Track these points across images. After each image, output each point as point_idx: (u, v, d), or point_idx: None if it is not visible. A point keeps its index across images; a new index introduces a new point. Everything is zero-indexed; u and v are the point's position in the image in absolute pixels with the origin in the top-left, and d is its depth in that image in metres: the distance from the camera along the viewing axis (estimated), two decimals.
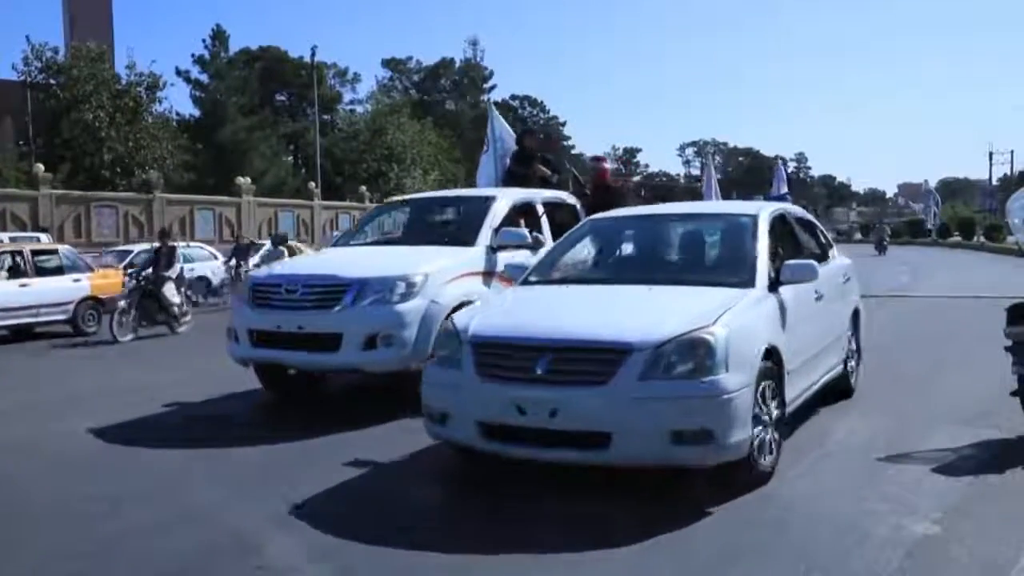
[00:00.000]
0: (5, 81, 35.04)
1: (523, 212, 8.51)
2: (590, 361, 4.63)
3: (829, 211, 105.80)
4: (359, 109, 58.07)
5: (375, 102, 54.70)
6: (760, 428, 4.80)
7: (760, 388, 4.79)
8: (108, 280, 15.12)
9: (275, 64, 56.19)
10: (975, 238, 42.88)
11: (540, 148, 11.32)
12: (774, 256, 5.76)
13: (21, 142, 35.55)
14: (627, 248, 6.73)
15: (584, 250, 6.60)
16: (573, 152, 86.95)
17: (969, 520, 4.35)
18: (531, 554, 4.04)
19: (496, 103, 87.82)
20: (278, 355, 7.31)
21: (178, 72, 44.43)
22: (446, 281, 7.15)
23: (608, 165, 10.40)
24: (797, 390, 5.58)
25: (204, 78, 44.55)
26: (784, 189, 24.70)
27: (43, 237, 22.07)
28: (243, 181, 35.49)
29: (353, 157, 47.63)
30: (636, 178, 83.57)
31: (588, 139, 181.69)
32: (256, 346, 7.36)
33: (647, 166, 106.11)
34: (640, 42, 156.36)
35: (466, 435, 4.95)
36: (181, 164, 36.63)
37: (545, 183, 9.94)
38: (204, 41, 44.53)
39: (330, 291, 7.07)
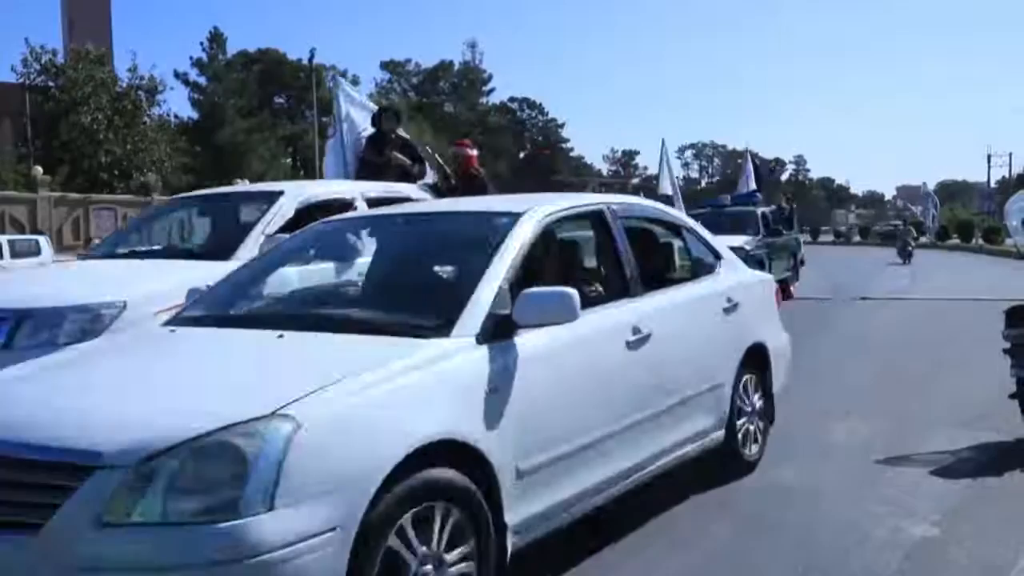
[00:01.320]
0: (4, 83, 35.08)
1: (328, 214, 6.33)
2: (21, 486, 2.58)
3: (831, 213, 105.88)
4: None
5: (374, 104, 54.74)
6: None
7: (399, 523, 2.77)
8: None
9: (273, 66, 56.27)
10: (973, 240, 42.89)
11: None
12: (543, 280, 3.79)
13: (19, 144, 35.60)
14: (333, 267, 5.05)
15: (286, 269, 4.71)
16: (572, 154, 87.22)
17: (968, 522, 4.34)
18: None
19: (495, 105, 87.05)
20: None
21: (176, 75, 44.62)
22: (159, 311, 4.70)
23: (473, 151, 8.62)
24: (554, 498, 3.50)
25: (202, 81, 44.67)
26: (752, 186, 20.75)
27: (41, 240, 22.09)
28: (242, 183, 35.53)
29: None
30: (634, 180, 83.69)
31: (587, 141, 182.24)
32: None
33: (646, 168, 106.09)
34: (639, 44, 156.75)
35: None
36: (179, 166, 36.70)
37: (405, 175, 8.14)
38: (202, 44, 44.83)
39: None
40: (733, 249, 17.42)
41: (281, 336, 3.38)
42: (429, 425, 2.93)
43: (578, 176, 74.92)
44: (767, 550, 4.06)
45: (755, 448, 5.25)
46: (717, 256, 5.34)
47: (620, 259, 4.34)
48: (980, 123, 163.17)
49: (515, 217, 3.91)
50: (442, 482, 2.94)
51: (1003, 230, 28.48)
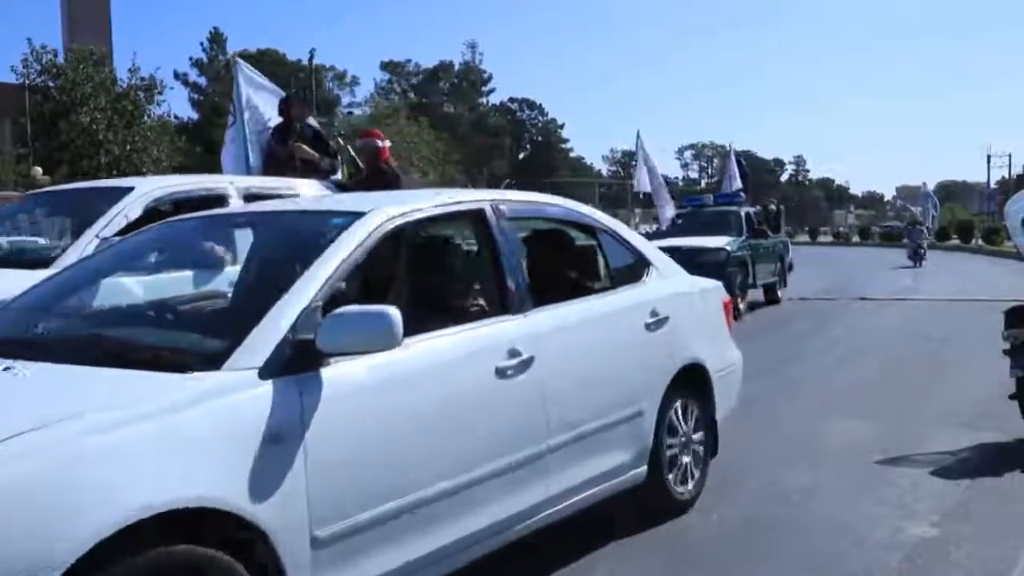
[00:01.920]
0: (4, 84, 35.11)
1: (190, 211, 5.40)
2: None
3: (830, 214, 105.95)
4: (357, 112, 58.30)
5: (374, 105, 54.88)
6: None
7: None
8: None
9: (273, 67, 56.25)
10: (973, 241, 42.92)
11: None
12: (391, 297, 3.23)
13: (19, 144, 35.63)
14: (191, 275, 4.41)
15: (123, 280, 4.10)
16: (571, 155, 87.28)
17: (968, 523, 4.33)
18: None
19: (494, 105, 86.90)
20: None
21: (176, 75, 44.71)
22: None
23: (383, 143, 7.69)
24: (375, 570, 2.78)
25: (202, 81, 44.73)
26: (737, 185, 19.78)
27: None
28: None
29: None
30: (633, 181, 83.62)
31: (587, 141, 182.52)
32: None
33: None
34: (639, 44, 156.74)
35: None
36: (177, 167, 36.70)
37: (313, 169, 7.33)
38: (202, 44, 44.92)
39: None
40: (714, 250, 16.67)
41: (7, 369, 2.63)
42: (163, 490, 2.23)
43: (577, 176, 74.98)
44: (765, 550, 4.05)
45: (690, 485, 4.48)
46: (645, 263, 4.57)
47: (501, 268, 3.60)
48: (980, 123, 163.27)
49: (352, 218, 3.19)
50: (179, 565, 2.25)
51: (1003, 231, 28.46)
